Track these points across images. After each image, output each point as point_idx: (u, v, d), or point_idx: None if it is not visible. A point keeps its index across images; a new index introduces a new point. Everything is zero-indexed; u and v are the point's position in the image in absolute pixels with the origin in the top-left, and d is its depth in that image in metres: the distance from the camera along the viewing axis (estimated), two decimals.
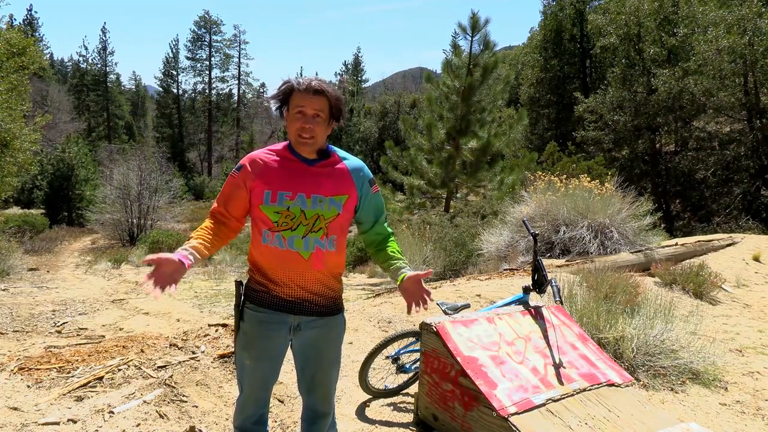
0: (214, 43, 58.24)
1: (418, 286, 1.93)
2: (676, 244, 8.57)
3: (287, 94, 1.90)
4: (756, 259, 8.53)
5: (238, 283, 2.04)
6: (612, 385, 2.73)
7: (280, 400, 3.30)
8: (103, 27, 62.68)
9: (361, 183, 1.99)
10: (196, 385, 3.38)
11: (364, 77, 48.65)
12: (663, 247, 8.22)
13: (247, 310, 1.99)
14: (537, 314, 3.08)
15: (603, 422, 2.43)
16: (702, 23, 21.11)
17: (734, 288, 7.08)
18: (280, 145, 2.01)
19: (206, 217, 2.02)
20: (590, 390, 2.64)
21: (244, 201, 1.95)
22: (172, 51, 57.47)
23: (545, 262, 6.28)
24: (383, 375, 3.56)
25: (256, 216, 1.94)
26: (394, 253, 2.05)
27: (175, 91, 56.82)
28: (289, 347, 2.06)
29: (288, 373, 3.47)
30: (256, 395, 2.07)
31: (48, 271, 13.08)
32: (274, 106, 1.96)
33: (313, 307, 1.97)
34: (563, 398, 2.53)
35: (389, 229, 2.12)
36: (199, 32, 57.91)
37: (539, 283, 3.11)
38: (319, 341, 2.02)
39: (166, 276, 1.68)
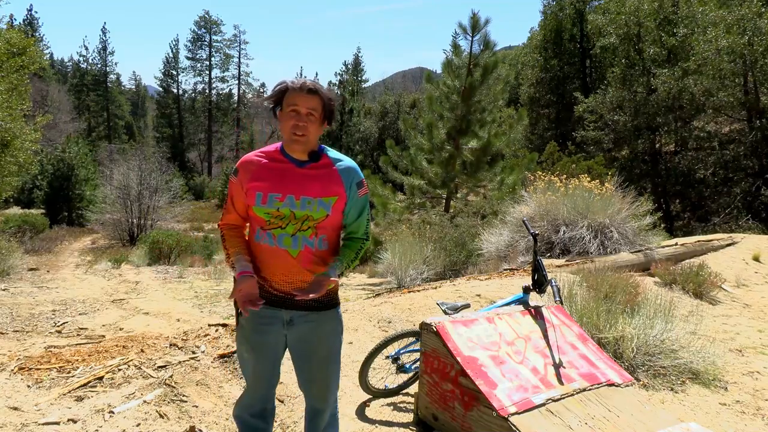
0: (214, 43, 58.26)
1: (317, 283, 1.91)
2: (676, 244, 8.55)
3: (281, 94, 1.93)
4: (756, 259, 8.52)
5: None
6: (612, 385, 2.73)
7: (280, 400, 3.31)
8: (103, 27, 62.77)
9: (349, 184, 2.00)
10: (196, 385, 3.38)
11: (364, 77, 48.62)
12: (663, 247, 8.20)
13: None
14: (537, 314, 3.08)
15: (603, 422, 2.43)
16: (702, 23, 21.11)
17: (734, 288, 7.07)
18: (272, 147, 2.05)
19: (223, 227, 2.08)
20: (590, 390, 2.64)
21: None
22: (172, 51, 57.51)
23: (545, 262, 6.27)
24: (383, 375, 3.56)
25: (251, 216, 2.01)
26: (343, 253, 2.05)
27: (175, 91, 56.82)
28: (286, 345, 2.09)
29: (288, 373, 3.46)
30: (254, 388, 2.15)
31: (48, 271, 13.07)
32: (269, 106, 1.99)
33: (303, 301, 1.99)
34: (563, 398, 2.53)
35: (364, 231, 2.09)
36: (199, 32, 57.91)
37: (539, 283, 3.11)
38: (312, 336, 2.04)
39: (245, 299, 1.89)
